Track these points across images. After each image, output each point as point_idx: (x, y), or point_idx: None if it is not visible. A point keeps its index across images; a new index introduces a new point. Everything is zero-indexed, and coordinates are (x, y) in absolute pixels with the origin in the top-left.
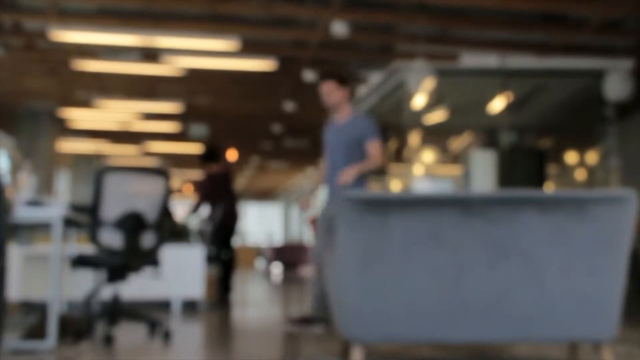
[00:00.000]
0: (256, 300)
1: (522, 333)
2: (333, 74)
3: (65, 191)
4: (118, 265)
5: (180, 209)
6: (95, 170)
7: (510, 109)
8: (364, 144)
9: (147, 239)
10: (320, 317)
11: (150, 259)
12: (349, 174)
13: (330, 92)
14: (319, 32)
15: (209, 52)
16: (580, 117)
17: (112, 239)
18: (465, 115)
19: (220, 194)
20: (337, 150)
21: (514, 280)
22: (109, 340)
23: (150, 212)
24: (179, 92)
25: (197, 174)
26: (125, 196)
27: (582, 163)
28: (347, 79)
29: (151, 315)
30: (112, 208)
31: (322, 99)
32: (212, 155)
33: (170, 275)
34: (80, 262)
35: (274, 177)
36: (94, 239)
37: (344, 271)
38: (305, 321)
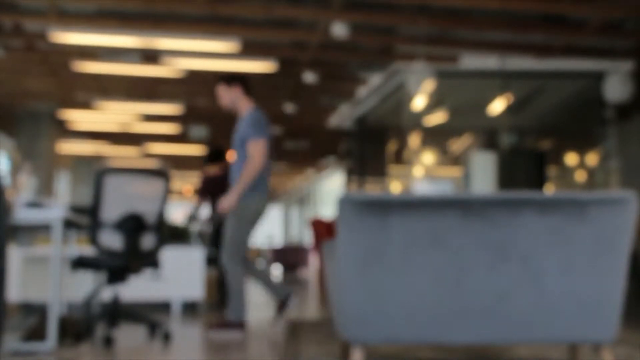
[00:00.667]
0: (256, 302)
1: (522, 334)
2: (220, 77)
3: (65, 192)
4: (118, 267)
5: (180, 211)
6: (96, 172)
7: (510, 110)
8: (246, 143)
9: (147, 241)
10: (240, 319)
11: (150, 260)
12: (226, 203)
13: (221, 95)
14: (319, 33)
15: (209, 53)
16: (580, 118)
17: (112, 240)
18: (465, 117)
19: (218, 196)
20: (234, 151)
21: (514, 282)
22: (109, 341)
23: (150, 214)
24: (179, 93)
25: (196, 176)
26: (125, 198)
27: (582, 164)
28: (235, 77)
29: (151, 316)
30: (112, 209)
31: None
32: (213, 156)
33: (170, 277)
34: (80, 263)
35: (273, 179)
36: (94, 240)
37: (344, 272)
38: (224, 326)
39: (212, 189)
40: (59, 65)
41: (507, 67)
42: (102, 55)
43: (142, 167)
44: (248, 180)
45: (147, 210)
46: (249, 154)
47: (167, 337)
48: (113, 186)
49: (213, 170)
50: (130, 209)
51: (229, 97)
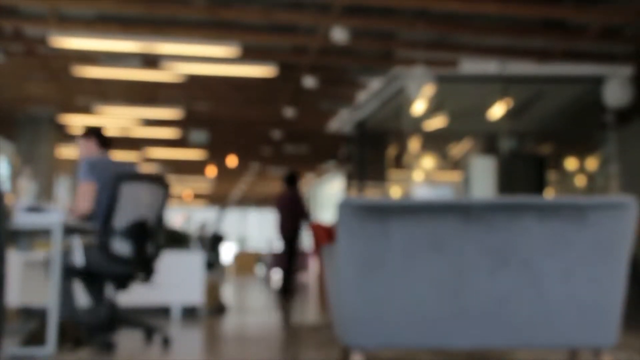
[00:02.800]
0: (256, 306)
1: (522, 339)
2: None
3: (65, 197)
4: (127, 274)
5: (179, 215)
6: (114, 178)
7: (510, 115)
8: None
9: (150, 248)
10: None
11: (151, 267)
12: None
13: (81, 148)
14: (318, 38)
15: (209, 58)
16: (580, 123)
17: (122, 247)
18: (465, 122)
19: (279, 212)
20: None
21: (514, 287)
22: (109, 347)
23: (152, 220)
24: (179, 98)
25: (195, 181)
26: (135, 204)
27: (582, 169)
28: (91, 130)
29: (149, 321)
30: (124, 217)
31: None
32: (286, 180)
33: (170, 282)
34: (88, 273)
35: (274, 183)
36: (105, 247)
37: (344, 277)
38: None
39: (281, 207)
40: (59, 70)
41: (506, 72)
42: (102, 60)
43: (148, 174)
44: (75, 214)
45: (150, 217)
46: (76, 196)
47: (166, 342)
48: (127, 193)
49: (284, 192)
50: (139, 216)
51: (85, 150)
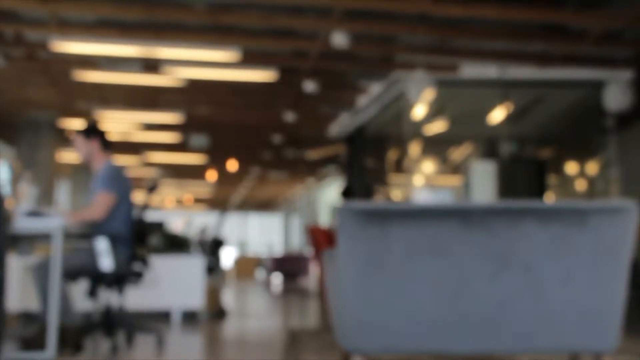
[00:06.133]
0: (256, 310)
1: (523, 344)
2: (80, 129)
3: (65, 201)
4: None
5: (179, 221)
6: (148, 189)
7: (510, 119)
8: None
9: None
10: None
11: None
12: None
13: (78, 146)
14: (319, 42)
15: (210, 62)
16: (580, 127)
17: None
18: (465, 126)
19: None
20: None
21: (514, 291)
22: (114, 350)
23: None
24: (179, 102)
25: (195, 186)
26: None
27: (582, 173)
28: (94, 130)
29: (149, 324)
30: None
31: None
32: (344, 193)
33: (170, 286)
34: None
35: (274, 187)
36: (134, 249)
37: (344, 282)
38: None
39: None
40: (60, 75)
41: (507, 76)
42: (102, 64)
43: None
44: (79, 218)
45: None
46: (92, 204)
47: (160, 343)
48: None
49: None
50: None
51: (86, 148)
